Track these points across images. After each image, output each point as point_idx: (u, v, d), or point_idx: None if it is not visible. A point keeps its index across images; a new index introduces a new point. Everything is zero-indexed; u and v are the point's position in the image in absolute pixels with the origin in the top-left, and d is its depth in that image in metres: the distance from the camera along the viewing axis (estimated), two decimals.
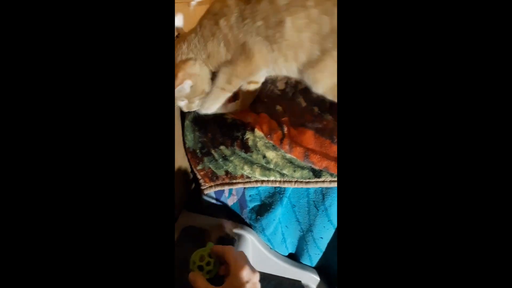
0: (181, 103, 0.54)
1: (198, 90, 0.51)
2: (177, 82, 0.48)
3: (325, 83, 0.47)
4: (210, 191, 0.68)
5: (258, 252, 0.69)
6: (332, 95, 0.49)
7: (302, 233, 0.66)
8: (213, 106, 0.54)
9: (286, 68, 0.49)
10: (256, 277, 0.43)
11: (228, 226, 0.67)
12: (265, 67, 0.50)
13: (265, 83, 0.65)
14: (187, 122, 0.63)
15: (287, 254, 0.72)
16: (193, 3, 0.76)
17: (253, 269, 0.44)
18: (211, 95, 0.53)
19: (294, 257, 0.72)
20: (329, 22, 0.42)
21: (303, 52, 0.45)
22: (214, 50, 0.49)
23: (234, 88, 0.52)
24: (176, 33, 0.67)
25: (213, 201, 0.71)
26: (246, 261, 0.44)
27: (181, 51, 0.50)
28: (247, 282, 0.41)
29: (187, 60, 0.49)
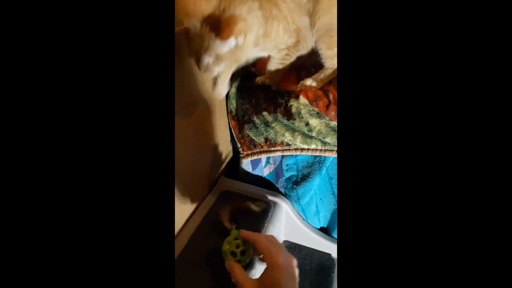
0: (207, 59, 0.47)
1: (236, 56, 0.48)
2: (229, 32, 0.43)
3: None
4: (247, 160, 0.71)
5: (290, 221, 0.71)
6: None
7: (336, 207, 0.67)
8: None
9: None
10: (294, 263, 0.41)
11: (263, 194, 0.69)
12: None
13: (311, 55, 0.66)
14: (232, 90, 0.66)
15: (319, 227, 0.73)
16: None
17: (288, 255, 0.41)
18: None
19: (326, 232, 0.73)
20: None
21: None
22: (273, 31, 0.50)
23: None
24: None
25: (250, 170, 0.74)
26: (280, 247, 0.42)
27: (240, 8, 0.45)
28: (285, 270, 0.38)
29: (245, 20, 0.45)
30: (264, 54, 0.56)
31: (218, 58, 0.46)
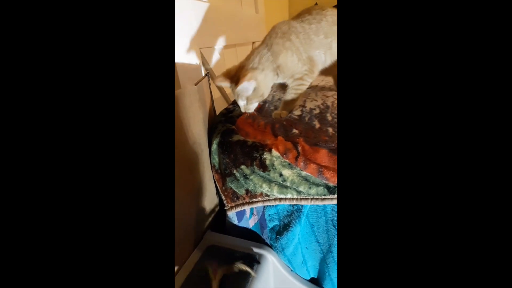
0: (241, 103, 0.69)
1: (258, 93, 0.67)
2: (244, 79, 0.62)
3: None
4: (232, 212, 0.72)
5: (278, 274, 0.69)
6: None
7: (322, 255, 0.66)
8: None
9: None
10: None
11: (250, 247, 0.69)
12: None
13: None
14: (214, 146, 0.70)
15: (309, 278, 0.71)
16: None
17: None
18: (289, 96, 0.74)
19: (317, 283, 0.71)
20: None
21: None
22: (288, 60, 0.68)
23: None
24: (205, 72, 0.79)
25: (236, 222, 0.75)
26: None
27: (254, 62, 0.67)
28: None
29: (257, 68, 0.66)
30: (283, 81, 0.74)
31: (248, 99, 0.68)
